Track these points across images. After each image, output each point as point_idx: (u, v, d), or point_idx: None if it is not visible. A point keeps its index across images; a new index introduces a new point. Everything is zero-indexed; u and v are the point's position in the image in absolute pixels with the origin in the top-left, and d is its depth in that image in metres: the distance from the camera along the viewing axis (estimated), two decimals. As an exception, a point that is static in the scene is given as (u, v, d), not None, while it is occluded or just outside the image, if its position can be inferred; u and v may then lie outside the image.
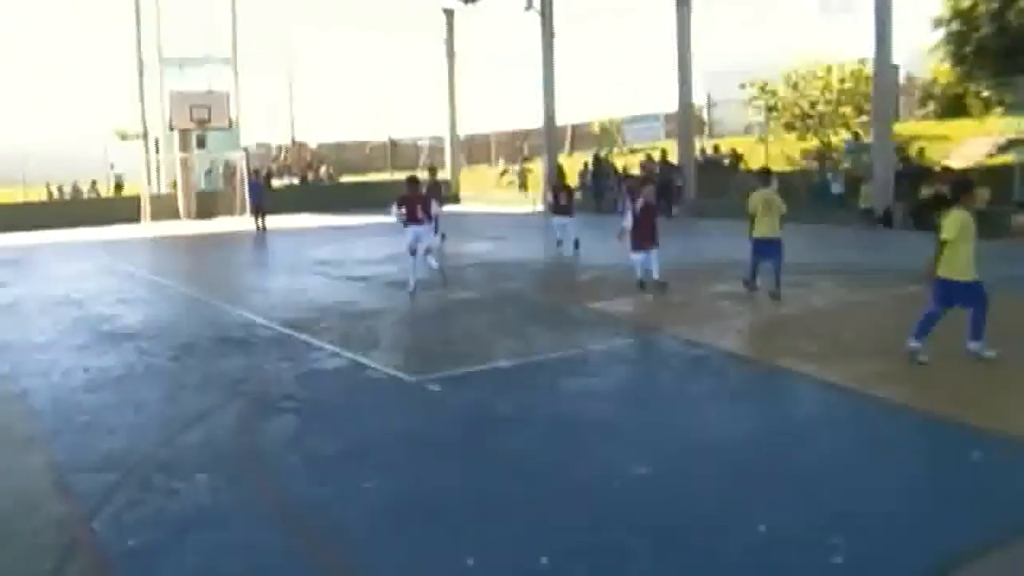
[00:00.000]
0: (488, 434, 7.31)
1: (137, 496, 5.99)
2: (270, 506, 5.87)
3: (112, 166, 36.18)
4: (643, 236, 13.11)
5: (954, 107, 31.79)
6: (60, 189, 36.96)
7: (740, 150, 30.38)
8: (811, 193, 25.70)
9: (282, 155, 45.44)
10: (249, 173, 33.58)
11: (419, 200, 14.65)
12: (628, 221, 13.28)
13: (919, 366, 8.53)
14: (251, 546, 5.19)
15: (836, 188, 25.60)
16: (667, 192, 26.17)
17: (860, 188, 23.85)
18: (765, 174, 13.76)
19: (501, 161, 45.27)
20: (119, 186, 37.59)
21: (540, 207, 33.79)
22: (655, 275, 12.98)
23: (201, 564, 4.99)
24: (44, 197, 35.99)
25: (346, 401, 8.40)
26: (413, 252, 14.06)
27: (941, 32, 31.29)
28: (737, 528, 5.23)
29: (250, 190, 31.61)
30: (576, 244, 18.45)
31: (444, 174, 38.26)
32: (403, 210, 14.41)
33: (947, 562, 4.75)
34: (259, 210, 28.73)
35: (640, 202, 13.28)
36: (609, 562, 4.86)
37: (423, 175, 20.18)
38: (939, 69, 32.96)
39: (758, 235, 12.78)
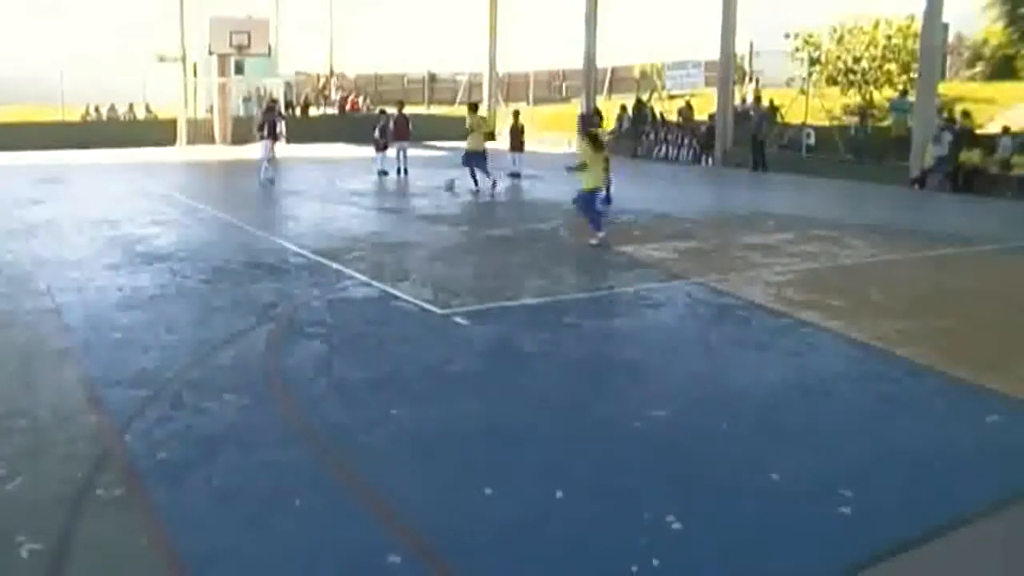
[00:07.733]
0: (512, 369, 7.43)
1: (168, 413, 6.14)
2: (297, 428, 6.01)
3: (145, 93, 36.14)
4: None
5: (1003, 69, 31.08)
6: (97, 109, 36.96)
7: (777, 102, 29.90)
8: (850, 149, 25.26)
9: (319, 84, 45.10)
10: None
11: None
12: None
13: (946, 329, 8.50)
14: (277, 465, 5.33)
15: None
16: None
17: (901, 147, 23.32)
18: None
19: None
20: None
21: (574, 147, 33.51)
22: None
23: (228, 480, 5.13)
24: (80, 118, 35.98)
25: (374, 330, 8.51)
26: None
27: (997, -10, 30.52)
28: (750, 475, 5.30)
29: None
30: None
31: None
32: None
33: (952, 519, 4.79)
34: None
35: None
36: (622, 500, 4.95)
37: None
38: (991, 29, 32.17)
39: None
